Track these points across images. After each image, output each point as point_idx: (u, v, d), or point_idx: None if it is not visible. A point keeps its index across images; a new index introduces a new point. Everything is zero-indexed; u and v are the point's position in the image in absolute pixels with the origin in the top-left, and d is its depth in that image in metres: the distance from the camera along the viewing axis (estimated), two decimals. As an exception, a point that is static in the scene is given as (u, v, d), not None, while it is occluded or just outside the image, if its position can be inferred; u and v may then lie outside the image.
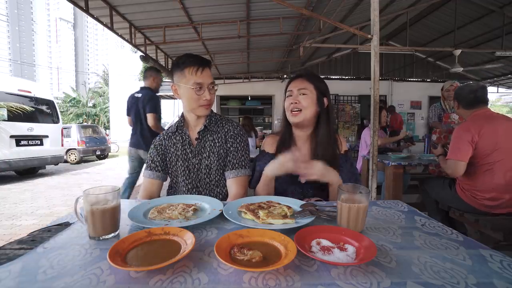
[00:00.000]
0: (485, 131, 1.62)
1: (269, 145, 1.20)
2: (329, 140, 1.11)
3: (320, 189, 1.11)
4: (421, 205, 2.29)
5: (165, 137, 1.23)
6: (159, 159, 1.20)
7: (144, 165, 1.23)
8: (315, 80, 1.12)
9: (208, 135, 1.19)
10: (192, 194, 1.18)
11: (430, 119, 3.45)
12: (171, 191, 1.28)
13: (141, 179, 1.40)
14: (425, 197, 2.19)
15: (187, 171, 1.18)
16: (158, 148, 1.22)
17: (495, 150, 1.60)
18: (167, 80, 10.65)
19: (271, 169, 1.01)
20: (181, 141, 1.20)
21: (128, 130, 3.16)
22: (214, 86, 1.16)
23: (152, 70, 3.26)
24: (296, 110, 1.09)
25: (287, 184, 1.11)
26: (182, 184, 1.19)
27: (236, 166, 1.15)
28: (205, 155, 1.17)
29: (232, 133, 1.19)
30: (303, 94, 1.09)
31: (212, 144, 1.17)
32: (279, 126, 1.25)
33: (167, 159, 1.21)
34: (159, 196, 1.21)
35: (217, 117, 1.24)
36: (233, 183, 1.15)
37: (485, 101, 1.74)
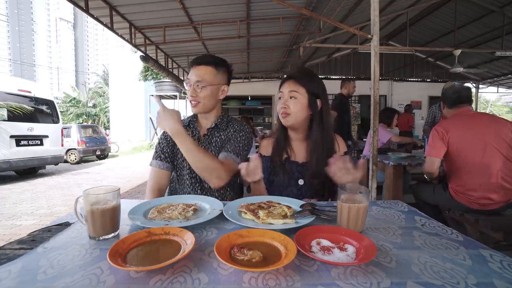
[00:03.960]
0: (455, 129, 1.66)
1: (264, 147, 1.19)
2: (323, 143, 1.08)
3: (317, 191, 1.10)
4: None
5: None
6: (168, 151, 1.21)
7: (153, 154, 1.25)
8: (307, 82, 1.07)
9: (216, 132, 1.22)
10: (195, 188, 1.19)
11: (426, 123, 3.45)
12: (172, 184, 1.28)
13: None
14: (417, 202, 2.18)
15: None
16: (169, 138, 1.22)
17: (462, 150, 1.64)
18: (167, 80, 10.66)
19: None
20: (190, 135, 1.22)
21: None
22: (201, 85, 1.12)
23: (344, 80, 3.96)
24: (285, 113, 1.07)
25: (284, 186, 1.11)
26: (186, 177, 1.20)
27: (228, 150, 1.13)
28: (210, 150, 1.19)
29: (237, 128, 1.21)
30: (293, 98, 1.06)
31: (219, 140, 1.20)
32: (274, 128, 1.25)
33: (175, 150, 1.23)
34: (167, 187, 1.23)
35: (229, 119, 1.27)
36: None
37: (468, 100, 1.80)
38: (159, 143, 1.24)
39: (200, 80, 1.12)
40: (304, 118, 1.08)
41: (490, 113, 1.84)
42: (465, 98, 1.79)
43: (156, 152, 1.22)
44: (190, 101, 1.16)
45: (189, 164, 1.16)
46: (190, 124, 1.25)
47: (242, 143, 1.18)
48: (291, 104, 1.06)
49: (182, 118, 1.20)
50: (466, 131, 1.65)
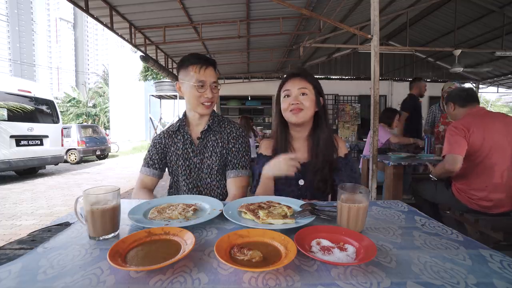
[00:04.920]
0: (475, 128, 1.65)
1: (265, 147, 1.18)
2: (328, 140, 1.10)
3: (318, 192, 1.10)
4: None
5: (166, 135, 1.23)
6: (157, 158, 1.21)
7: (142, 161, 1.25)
8: (313, 80, 1.10)
9: (211, 135, 1.20)
10: (193, 194, 1.18)
11: (426, 124, 3.44)
12: (171, 190, 1.28)
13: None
14: (417, 200, 2.18)
15: (188, 171, 1.18)
16: (157, 146, 1.22)
17: (481, 149, 1.62)
18: (167, 80, 10.67)
19: (269, 169, 1.01)
20: (182, 140, 1.20)
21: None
22: (217, 85, 1.17)
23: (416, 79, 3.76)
24: (297, 110, 1.05)
25: (284, 186, 1.10)
26: (182, 183, 1.19)
27: (237, 166, 1.16)
28: (207, 155, 1.17)
29: (234, 135, 1.20)
30: (304, 94, 1.06)
31: (215, 144, 1.18)
32: (273, 129, 1.22)
33: (168, 158, 1.21)
34: (152, 190, 1.23)
35: (219, 118, 1.25)
36: (232, 184, 1.15)
37: (477, 99, 1.81)
38: (148, 151, 1.24)
39: (215, 80, 1.16)
40: (312, 114, 1.09)
41: (503, 113, 1.81)
42: (475, 96, 1.81)
43: (145, 159, 1.23)
44: (203, 103, 1.14)
45: (184, 171, 1.17)
46: (180, 129, 1.22)
47: (245, 151, 1.20)
48: (302, 100, 1.05)
49: (170, 123, 1.20)
50: (483, 130, 1.64)
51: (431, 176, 1.90)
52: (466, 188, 1.71)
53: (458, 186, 1.76)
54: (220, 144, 1.18)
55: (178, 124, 1.23)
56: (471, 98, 1.80)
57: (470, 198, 1.69)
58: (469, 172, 1.68)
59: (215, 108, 1.25)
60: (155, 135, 1.30)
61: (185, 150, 1.18)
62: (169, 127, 1.27)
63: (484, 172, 1.63)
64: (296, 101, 1.05)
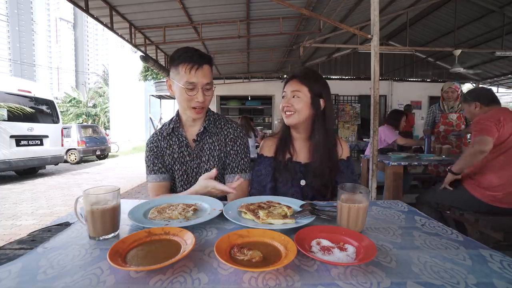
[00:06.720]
0: (505, 121, 1.66)
1: (267, 147, 1.15)
2: (326, 144, 1.08)
3: (320, 193, 1.09)
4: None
5: (160, 137, 1.15)
6: (159, 161, 1.13)
7: (146, 170, 1.16)
8: (310, 81, 1.07)
9: (207, 137, 1.13)
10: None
11: (427, 124, 3.43)
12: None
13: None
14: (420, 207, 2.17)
15: (185, 175, 1.12)
16: (154, 150, 1.14)
17: (506, 141, 1.65)
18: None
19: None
20: (177, 143, 1.13)
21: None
22: (211, 87, 1.06)
23: None
24: (289, 112, 1.08)
25: (286, 187, 1.09)
26: (180, 189, 1.13)
27: (236, 170, 1.11)
28: (204, 159, 1.11)
29: (232, 136, 1.13)
30: (296, 97, 1.06)
31: (212, 147, 1.12)
32: (278, 127, 1.21)
33: (164, 159, 1.14)
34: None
35: (215, 117, 1.17)
36: None
37: (499, 101, 1.89)
38: (147, 157, 1.14)
39: (209, 82, 1.04)
40: (307, 116, 1.08)
41: None
42: (498, 98, 1.87)
43: (148, 167, 1.13)
44: (194, 107, 1.04)
45: (180, 176, 1.12)
46: (175, 131, 1.13)
47: (244, 153, 1.14)
48: (294, 102, 1.06)
49: (163, 123, 1.15)
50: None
51: (449, 170, 1.86)
52: (479, 177, 1.72)
53: (470, 179, 1.77)
54: (217, 147, 1.12)
55: (171, 125, 1.14)
56: (496, 98, 1.87)
57: (480, 187, 1.70)
58: (487, 162, 1.70)
59: (214, 109, 1.22)
60: (149, 138, 1.23)
61: (181, 154, 1.12)
62: (162, 128, 1.18)
63: (505, 163, 1.65)
64: (287, 103, 1.08)
